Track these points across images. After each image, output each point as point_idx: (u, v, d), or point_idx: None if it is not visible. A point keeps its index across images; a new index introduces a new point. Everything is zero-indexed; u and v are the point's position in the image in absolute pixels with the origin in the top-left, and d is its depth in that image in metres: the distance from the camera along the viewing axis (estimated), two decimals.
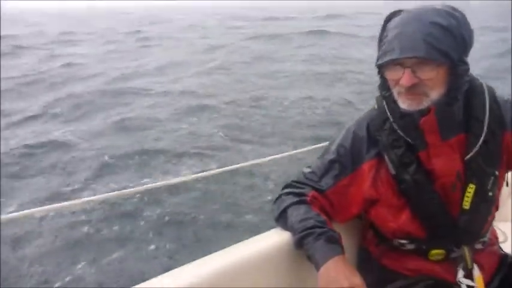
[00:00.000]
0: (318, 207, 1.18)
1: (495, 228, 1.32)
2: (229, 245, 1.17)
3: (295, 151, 2.22)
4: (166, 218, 4.32)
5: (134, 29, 28.43)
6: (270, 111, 8.16)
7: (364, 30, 20.65)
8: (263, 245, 1.17)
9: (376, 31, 1.13)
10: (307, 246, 1.09)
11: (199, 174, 1.93)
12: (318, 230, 1.09)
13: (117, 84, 11.22)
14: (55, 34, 26.51)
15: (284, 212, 1.19)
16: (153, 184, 1.75)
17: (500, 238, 1.39)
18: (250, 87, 10.32)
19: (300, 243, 1.11)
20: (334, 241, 1.09)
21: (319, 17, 31.45)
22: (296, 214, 1.15)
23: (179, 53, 16.84)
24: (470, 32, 1.06)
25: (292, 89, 9.92)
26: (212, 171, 1.92)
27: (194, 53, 16.63)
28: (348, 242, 1.19)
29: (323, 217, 1.14)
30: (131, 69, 13.53)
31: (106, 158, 5.93)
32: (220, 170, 1.85)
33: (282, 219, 1.20)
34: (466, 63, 1.06)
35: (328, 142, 1.30)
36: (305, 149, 2.18)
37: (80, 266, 3.61)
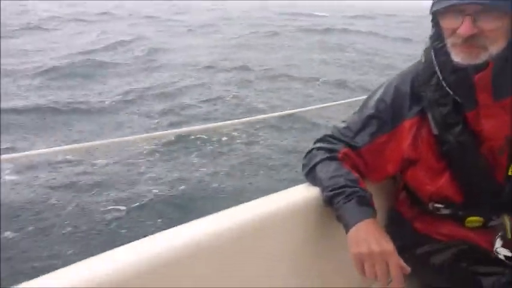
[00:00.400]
0: (349, 164, 1.11)
1: None
2: None
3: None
4: None
5: None
6: None
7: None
8: (291, 199, 1.12)
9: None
10: (337, 206, 1.03)
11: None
12: (349, 190, 1.03)
13: None
14: None
15: (313, 167, 1.13)
16: None
17: None
18: None
19: (329, 202, 1.06)
20: (365, 202, 1.03)
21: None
22: (326, 171, 1.09)
23: None
24: None
25: None
26: None
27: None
28: (379, 203, 1.13)
29: (354, 175, 1.08)
30: None
31: None
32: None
33: (311, 175, 1.14)
34: None
35: (366, 96, 1.22)
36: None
37: None
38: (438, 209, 1.12)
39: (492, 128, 1.01)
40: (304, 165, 1.18)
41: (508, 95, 0.99)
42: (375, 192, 1.11)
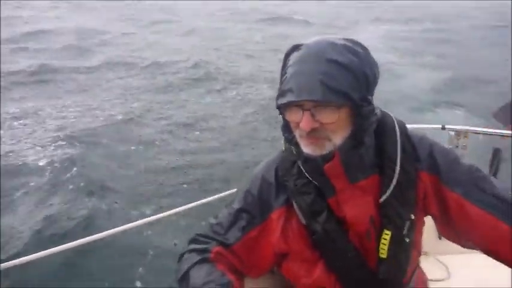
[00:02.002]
0: (224, 264, 1.06)
1: (439, 261, 1.24)
2: None
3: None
4: None
5: None
6: None
7: None
8: None
9: None
10: None
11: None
12: None
13: None
14: None
15: (186, 273, 1.04)
16: None
17: (441, 275, 1.32)
18: None
19: None
20: None
21: None
22: (197, 276, 1.02)
23: None
24: (374, 68, 0.97)
25: None
26: None
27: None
28: None
29: (228, 278, 1.00)
30: None
31: None
32: None
33: (184, 282, 1.04)
34: (370, 103, 0.96)
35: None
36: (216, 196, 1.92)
37: None
38: None
39: (355, 212, 1.01)
40: (177, 271, 1.09)
41: (365, 176, 1.01)
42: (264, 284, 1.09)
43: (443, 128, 2.21)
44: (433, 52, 13.11)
